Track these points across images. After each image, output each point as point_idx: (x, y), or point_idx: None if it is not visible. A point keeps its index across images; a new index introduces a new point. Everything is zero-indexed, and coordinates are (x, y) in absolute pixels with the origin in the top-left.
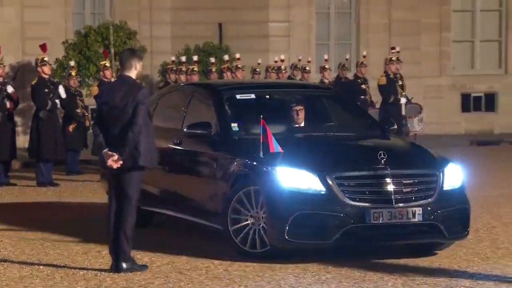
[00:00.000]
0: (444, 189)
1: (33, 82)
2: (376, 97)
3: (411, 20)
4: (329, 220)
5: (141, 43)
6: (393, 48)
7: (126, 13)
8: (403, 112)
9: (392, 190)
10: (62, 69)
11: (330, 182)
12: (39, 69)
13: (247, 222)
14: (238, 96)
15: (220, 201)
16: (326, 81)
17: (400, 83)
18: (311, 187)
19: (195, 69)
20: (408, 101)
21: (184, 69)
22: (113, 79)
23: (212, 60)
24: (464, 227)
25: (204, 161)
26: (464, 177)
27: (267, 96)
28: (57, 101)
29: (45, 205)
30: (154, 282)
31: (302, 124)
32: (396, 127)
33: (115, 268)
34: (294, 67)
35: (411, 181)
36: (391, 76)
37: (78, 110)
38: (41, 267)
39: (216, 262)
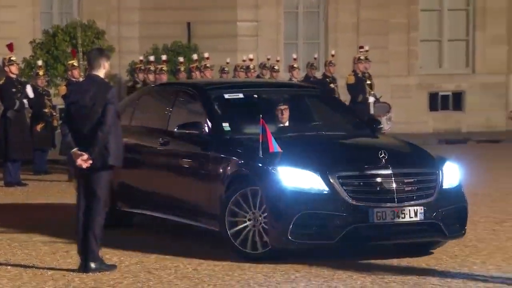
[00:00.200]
0: (443, 187)
1: (1, 82)
2: (345, 96)
3: (379, 19)
4: (333, 220)
5: (109, 43)
6: (361, 47)
7: (94, 13)
8: (372, 111)
9: (394, 189)
10: (30, 69)
11: (333, 182)
12: (6, 68)
13: (245, 224)
14: (226, 96)
15: (214, 201)
16: (294, 80)
17: (369, 82)
18: (313, 187)
19: (164, 68)
20: (377, 100)
21: (152, 68)
22: (81, 79)
23: (181, 59)
24: (462, 226)
25: (195, 161)
26: (461, 175)
27: (255, 96)
28: (25, 100)
29: (13, 205)
30: (123, 281)
31: (287, 124)
32: (383, 126)
33: (84, 268)
34: (263, 66)
35: (412, 180)
36: (360, 75)
37: (46, 110)
38: (8, 267)
39: (185, 261)
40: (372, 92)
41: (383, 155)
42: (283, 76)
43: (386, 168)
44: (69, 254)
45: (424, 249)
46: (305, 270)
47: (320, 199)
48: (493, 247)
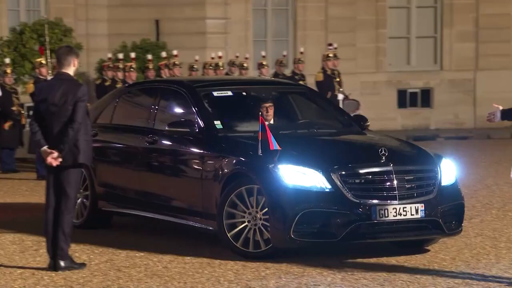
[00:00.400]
0: (442, 184)
1: None
2: None
3: (347, 16)
4: (336, 218)
5: (77, 40)
6: (330, 44)
7: (61, 10)
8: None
9: (396, 186)
10: None
11: (335, 180)
12: None
13: (245, 224)
14: (215, 93)
15: (207, 200)
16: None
17: (338, 79)
18: (315, 184)
19: (133, 66)
20: (346, 97)
21: (121, 66)
22: (49, 77)
23: (149, 57)
24: (459, 223)
25: (188, 160)
26: (458, 172)
27: (244, 93)
28: None
29: None
30: (93, 280)
31: (272, 122)
32: (369, 123)
33: (53, 266)
34: (231, 64)
35: (413, 177)
36: (328, 72)
37: (14, 108)
38: None
39: (155, 259)
40: (341, 90)
41: (383, 152)
42: (252, 73)
43: (387, 165)
44: (38, 253)
45: (394, 246)
46: (275, 267)
47: (323, 197)
48: (461, 243)
